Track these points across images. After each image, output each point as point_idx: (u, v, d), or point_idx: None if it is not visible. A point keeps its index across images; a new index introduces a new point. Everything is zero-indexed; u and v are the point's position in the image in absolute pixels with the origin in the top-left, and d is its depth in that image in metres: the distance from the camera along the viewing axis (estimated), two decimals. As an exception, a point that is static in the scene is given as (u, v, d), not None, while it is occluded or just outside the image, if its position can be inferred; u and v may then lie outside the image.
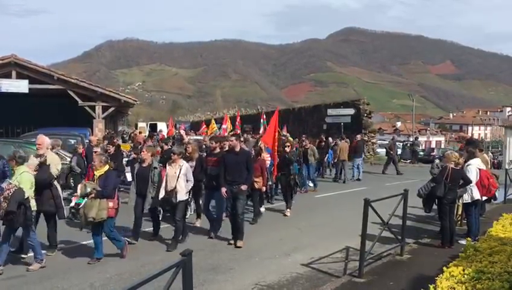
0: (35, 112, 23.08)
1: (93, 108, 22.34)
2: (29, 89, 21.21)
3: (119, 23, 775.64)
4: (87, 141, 15.10)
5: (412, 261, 7.34)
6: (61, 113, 23.64)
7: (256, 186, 9.90)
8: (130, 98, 24.60)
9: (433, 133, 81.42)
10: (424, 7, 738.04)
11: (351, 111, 27.72)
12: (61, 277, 6.44)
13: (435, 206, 8.59)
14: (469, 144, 10.26)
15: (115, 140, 12.29)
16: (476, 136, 71.52)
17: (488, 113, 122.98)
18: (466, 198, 8.48)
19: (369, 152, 28.32)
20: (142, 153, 8.65)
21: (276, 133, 11.41)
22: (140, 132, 22.40)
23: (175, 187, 7.93)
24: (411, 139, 43.18)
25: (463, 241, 7.92)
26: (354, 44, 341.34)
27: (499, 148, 53.22)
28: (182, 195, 7.98)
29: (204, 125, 30.10)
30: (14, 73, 21.09)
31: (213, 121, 27.16)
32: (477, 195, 8.48)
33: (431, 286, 4.62)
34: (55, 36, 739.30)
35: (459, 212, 9.79)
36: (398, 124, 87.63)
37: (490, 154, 11.53)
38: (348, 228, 9.20)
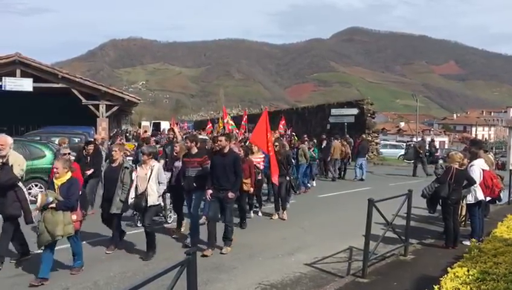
0: (39, 111, 23.17)
1: (97, 107, 22.40)
2: (34, 87, 21.28)
3: (123, 22, 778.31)
4: (92, 139, 15.13)
5: (416, 261, 7.31)
6: (65, 111, 23.71)
7: (245, 188, 9.31)
8: (133, 97, 24.66)
9: (437, 134, 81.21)
10: (428, 7, 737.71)
11: (355, 111, 27.70)
12: (64, 275, 6.45)
13: (438, 207, 8.57)
14: (473, 145, 10.21)
15: (119, 139, 12.20)
16: (479, 137, 71.33)
17: (492, 113, 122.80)
18: (470, 199, 8.45)
19: (372, 152, 28.28)
20: (113, 152, 7.91)
21: (269, 134, 10.49)
22: (145, 131, 22.42)
23: (145, 190, 7.30)
24: (414, 140, 43.09)
25: (467, 242, 7.90)
26: (358, 44, 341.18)
27: (503, 149, 53.11)
28: (154, 199, 7.33)
29: (210, 124, 30.04)
30: (18, 71, 21.16)
31: (220, 120, 27.02)
32: (480, 196, 8.44)
33: (435, 287, 4.61)
34: (59, 35, 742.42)
35: (463, 213, 9.76)
36: (402, 124, 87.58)
37: (491, 155, 11.46)
38: (351, 228, 9.19)
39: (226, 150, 7.78)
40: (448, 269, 5.21)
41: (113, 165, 7.77)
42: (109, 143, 16.95)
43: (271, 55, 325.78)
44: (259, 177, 10.57)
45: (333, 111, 29.16)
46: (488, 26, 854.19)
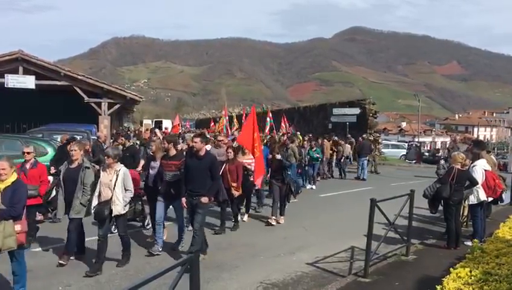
0: (42, 108, 23.18)
1: (99, 104, 22.40)
2: (36, 84, 21.28)
3: (125, 20, 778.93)
4: (95, 137, 15.15)
5: (418, 261, 7.31)
6: (67, 109, 23.73)
7: (232, 191, 8.96)
8: (135, 95, 24.67)
9: (439, 134, 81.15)
10: (431, 7, 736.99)
11: (357, 111, 27.68)
12: (67, 272, 6.45)
13: (440, 207, 8.56)
14: (475, 145, 10.19)
15: (120, 138, 12.05)
16: (481, 138, 71.22)
17: (494, 114, 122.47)
18: (472, 199, 8.44)
19: (374, 152, 28.24)
20: (72, 151, 7.02)
21: (256, 134, 9.88)
22: (147, 129, 22.40)
23: (111, 198, 6.58)
24: (416, 140, 43.08)
25: (469, 243, 7.89)
26: (360, 43, 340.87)
27: (505, 150, 52.99)
28: (119, 208, 6.59)
29: (213, 123, 30.05)
30: (21, 69, 21.16)
31: (222, 119, 26.97)
32: (483, 196, 8.43)
33: (438, 287, 4.61)
34: (62, 32, 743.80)
35: (465, 213, 9.75)
36: (403, 124, 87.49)
37: (493, 156, 11.41)
38: (353, 228, 9.18)
39: (202, 152, 7.09)
40: (451, 269, 5.21)
41: (72, 166, 6.87)
42: (111, 141, 16.96)
43: (273, 54, 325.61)
44: (251, 179, 9.99)
45: (335, 111, 29.15)
46: (491, 27, 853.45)
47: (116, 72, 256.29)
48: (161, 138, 11.00)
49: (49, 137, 14.70)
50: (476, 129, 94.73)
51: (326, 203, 13.15)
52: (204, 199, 6.92)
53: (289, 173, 10.29)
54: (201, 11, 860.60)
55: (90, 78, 22.96)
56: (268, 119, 21.86)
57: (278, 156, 9.98)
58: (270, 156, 10.32)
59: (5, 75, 20.82)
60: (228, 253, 7.65)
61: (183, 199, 7.10)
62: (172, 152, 7.49)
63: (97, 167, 7.52)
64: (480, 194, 8.40)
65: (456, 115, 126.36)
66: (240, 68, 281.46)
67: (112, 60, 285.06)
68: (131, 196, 6.88)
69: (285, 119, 26.09)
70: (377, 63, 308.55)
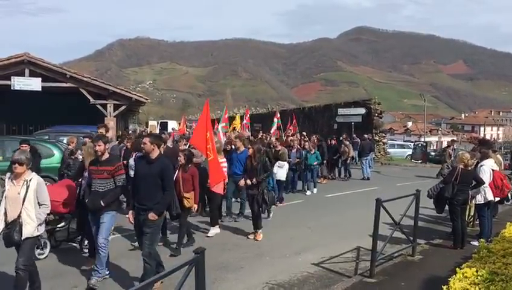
0: (48, 110, 23.27)
1: (104, 106, 22.48)
2: (42, 87, 21.38)
3: (131, 22, 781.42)
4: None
5: (424, 261, 7.29)
6: (73, 111, 23.81)
7: (187, 204, 7.50)
8: (141, 97, 24.71)
9: (445, 134, 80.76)
10: (437, 6, 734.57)
11: (362, 111, 27.61)
12: (74, 273, 6.49)
13: (446, 207, 8.53)
14: (482, 145, 10.16)
15: (126, 140, 11.98)
16: (488, 137, 70.87)
17: (501, 113, 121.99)
18: (479, 199, 8.42)
19: (379, 152, 28.19)
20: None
21: (209, 133, 8.50)
22: (151, 132, 22.39)
23: (19, 216, 5.21)
24: (422, 140, 42.93)
25: (475, 243, 7.86)
26: (365, 43, 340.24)
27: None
28: (30, 229, 5.24)
29: (217, 124, 29.94)
30: (27, 71, 21.27)
31: (237, 117, 26.81)
32: (490, 196, 8.41)
33: (444, 287, 4.59)
34: (68, 35, 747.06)
35: (471, 213, 9.72)
36: (409, 124, 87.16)
37: (499, 155, 11.34)
38: (358, 228, 9.17)
39: (154, 155, 5.89)
40: (457, 269, 5.19)
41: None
42: (116, 143, 16.99)
43: (278, 54, 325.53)
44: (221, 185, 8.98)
45: (340, 111, 29.09)
46: (498, 26, 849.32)
47: (122, 74, 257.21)
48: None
49: (56, 139, 14.77)
50: (482, 128, 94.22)
51: (331, 204, 13.13)
52: (152, 216, 5.66)
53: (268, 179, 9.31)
54: (206, 12, 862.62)
55: (96, 80, 23.04)
56: (275, 119, 21.71)
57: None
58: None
59: (12, 77, 20.94)
60: (233, 254, 7.65)
61: (130, 215, 5.98)
62: (105, 156, 6.18)
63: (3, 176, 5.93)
64: (487, 194, 8.37)
65: (462, 115, 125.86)
66: (245, 69, 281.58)
67: (118, 62, 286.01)
68: (47, 212, 5.54)
69: (294, 119, 25.96)
70: (382, 63, 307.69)
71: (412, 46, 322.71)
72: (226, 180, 9.30)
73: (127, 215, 6.15)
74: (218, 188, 8.69)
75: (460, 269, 5.15)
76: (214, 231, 8.83)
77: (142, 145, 6.11)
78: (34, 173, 5.46)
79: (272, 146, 13.74)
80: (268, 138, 17.79)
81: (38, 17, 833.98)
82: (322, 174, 17.53)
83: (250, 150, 9.06)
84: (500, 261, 5.31)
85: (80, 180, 7.01)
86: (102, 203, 5.96)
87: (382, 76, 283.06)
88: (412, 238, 7.57)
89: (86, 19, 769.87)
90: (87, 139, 7.97)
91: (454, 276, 4.94)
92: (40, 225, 5.38)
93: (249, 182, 8.74)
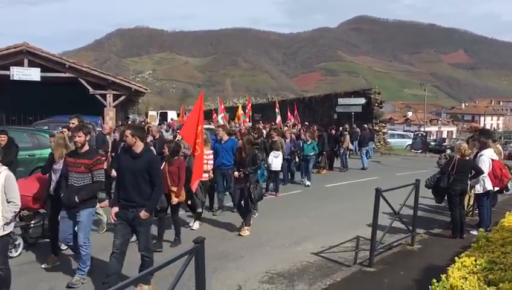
0: (47, 100, 23.24)
1: (104, 96, 22.45)
2: (41, 77, 21.34)
3: (130, 11, 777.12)
4: (99, 129, 15.17)
5: (423, 251, 7.32)
6: (73, 101, 23.78)
7: (173, 199, 7.34)
8: (140, 87, 24.69)
9: (445, 123, 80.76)
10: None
11: (362, 101, 27.58)
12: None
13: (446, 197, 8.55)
14: (482, 134, 10.14)
15: (115, 131, 11.87)
16: (488, 127, 70.84)
17: (501, 103, 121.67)
18: (478, 189, 8.43)
19: (379, 142, 28.20)
20: None
21: (200, 126, 8.17)
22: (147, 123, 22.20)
23: None
24: (422, 129, 42.91)
25: (474, 232, 7.89)
26: (366, 33, 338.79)
27: (511, 139, 52.74)
28: None
29: (215, 114, 29.94)
30: (26, 61, 21.22)
31: (239, 107, 26.72)
32: (489, 186, 8.42)
33: (443, 276, 4.61)
34: (66, 24, 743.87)
35: (471, 203, 9.75)
36: (410, 114, 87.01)
37: (499, 145, 11.31)
38: (358, 218, 9.21)
39: (138, 149, 5.46)
40: (456, 258, 5.21)
41: None
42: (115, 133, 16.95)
43: (278, 44, 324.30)
44: (205, 179, 8.72)
45: (340, 101, 29.05)
46: (498, 15, 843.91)
47: (121, 64, 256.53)
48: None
49: (55, 129, 14.74)
50: (482, 118, 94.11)
51: (331, 194, 13.17)
52: (144, 214, 5.35)
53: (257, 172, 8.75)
54: (206, 2, 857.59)
55: (95, 70, 23.00)
56: (277, 110, 21.55)
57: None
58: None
59: (11, 67, 20.90)
60: (233, 243, 7.69)
61: (114, 210, 5.52)
62: (85, 148, 5.80)
63: None
64: (486, 184, 8.38)
65: (463, 104, 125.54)
66: (245, 59, 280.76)
67: (117, 52, 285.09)
68: (16, 210, 5.07)
69: (295, 108, 25.90)
70: (383, 53, 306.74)
71: (413, 36, 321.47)
72: (206, 178, 8.86)
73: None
74: (194, 186, 8.10)
75: (459, 258, 5.18)
76: (196, 226, 8.63)
77: (124, 138, 5.71)
78: (4, 167, 4.92)
79: (268, 136, 13.53)
80: (268, 129, 17.67)
81: (37, 6, 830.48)
82: (322, 164, 17.50)
83: (240, 142, 8.77)
84: (498, 250, 5.33)
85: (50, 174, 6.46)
86: (77, 200, 5.58)
87: (382, 66, 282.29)
88: (411, 227, 7.60)
89: (85, 9, 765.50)
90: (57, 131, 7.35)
91: (453, 265, 4.96)
92: (7, 223, 4.87)
93: (236, 174, 8.45)
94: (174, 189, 7.32)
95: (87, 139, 5.91)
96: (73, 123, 7.61)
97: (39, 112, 22.00)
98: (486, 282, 4.34)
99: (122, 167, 5.54)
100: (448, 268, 4.87)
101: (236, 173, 8.47)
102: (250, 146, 8.55)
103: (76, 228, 5.83)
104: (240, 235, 8.20)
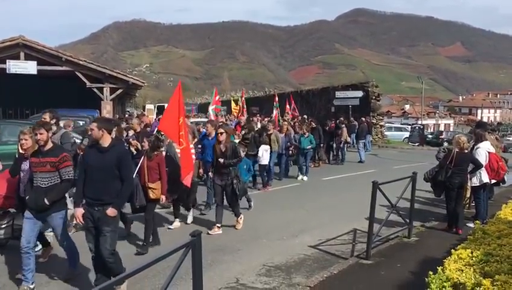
0: (44, 94, 23.16)
1: (101, 90, 22.38)
2: (38, 70, 21.24)
3: (126, 4, 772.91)
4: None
5: (420, 243, 7.34)
6: (70, 94, 23.72)
7: (152, 196, 6.85)
8: (137, 80, 24.60)
9: (442, 116, 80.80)
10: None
11: (360, 94, 27.56)
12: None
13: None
14: (478, 127, 10.15)
15: (122, 125, 11.75)
16: (485, 119, 70.90)
17: (498, 96, 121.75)
18: (475, 181, 8.44)
19: (377, 135, 28.23)
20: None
21: (183, 118, 7.65)
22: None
23: None
24: (419, 122, 42.94)
25: (471, 224, 7.91)
26: (363, 25, 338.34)
27: (508, 132, 52.84)
28: None
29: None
30: (22, 54, 21.11)
31: (232, 101, 26.57)
32: (486, 178, 8.43)
33: (439, 268, 4.62)
34: (63, 17, 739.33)
35: (467, 195, 9.77)
36: (407, 106, 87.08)
37: (493, 136, 11.32)
38: (355, 211, 9.23)
39: (106, 143, 5.06)
40: (452, 250, 5.23)
41: None
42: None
43: (275, 37, 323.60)
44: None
45: (338, 94, 29.03)
46: (496, 7, 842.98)
47: (118, 57, 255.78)
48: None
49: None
50: (479, 111, 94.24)
51: (328, 187, 13.19)
52: (111, 211, 4.95)
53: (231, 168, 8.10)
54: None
55: (92, 64, 22.90)
56: (275, 103, 21.43)
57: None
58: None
59: (7, 61, 20.79)
60: (230, 236, 7.69)
61: (79, 211, 5.09)
62: (48, 145, 5.33)
63: None
64: (482, 176, 8.39)
65: (460, 97, 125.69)
66: (242, 52, 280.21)
67: (114, 45, 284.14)
68: None
69: (292, 101, 25.81)
70: (380, 45, 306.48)
71: (410, 28, 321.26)
72: (194, 172, 8.34)
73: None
74: (187, 180, 7.67)
75: (456, 250, 5.19)
76: (177, 223, 8.25)
77: (89, 132, 5.29)
78: None
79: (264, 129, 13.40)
80: (266, 122, 17.61)
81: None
82: (322, 157, 17.57)
83: (221, 136, 8.04)
84: (495, 242, 5.34)
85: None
86: (46, 202, 5.17)
87: (380, 58, 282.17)
88: (408, 220, 7.62)
89: (82, 1, 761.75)
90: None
91: (449, 257, 4.97)
92: None
93: (221, 160, 7.94)
94: (152, 185, 6.84)
95: (50, 136, 5.53)
96: (44, 118, 6.85)
97: (36, 106, 21.94)
98: (482, 274, 4.35)
99: (89, 163, 5.08)
100: (445, 260, 4.88)
101: (221, 160, 7.88)
102: (229, 138, 8.27)
103: (51, 232, 5.44)
104: (235, 228, 8.15)
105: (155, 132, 8.21)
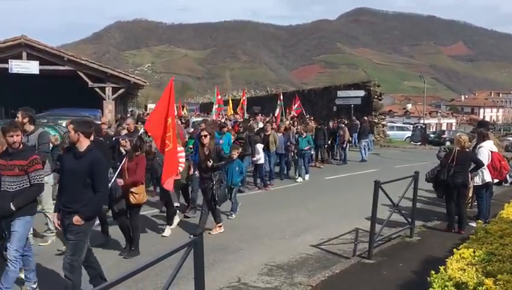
0: (46, 93, 23.22)
1: (103, 89, 22.42)
2: (40, 70, 21.29)
3: (128, 3, 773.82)
4: (99, 122, 15.16)
5: (422, 243, 7.33)
6: (72, 94, 23.77)
7: (133, 200, 6.59)
8: (139, 80, 24.65)
9: (444, 116, 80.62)
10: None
11: (361, 93, 27.53)
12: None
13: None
14: (481, 126, 10.12)
15: (123, 125, 11.69)
16: (487, 119, 70.75)
17: (501, 95, 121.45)
18: (477, 181, 8.42)
19: (379, 134, 28.20)
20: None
21: (171, 118, 7.13)
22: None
23: None
24: (421, 122, 42.88)
25: (473, 224, 7.90)
26: (365, 25, 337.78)
27: (511, 131, 52.72)
28: None
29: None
30: (24, 54, 21.17)
31: (230, 101, 26.56)
32: (488, 178, 8.40)
33: (441, 267, 4.61)
34: (65, 17, 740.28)
35: (470, 194, 9.75)
36: (409, 106, 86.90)
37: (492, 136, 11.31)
38: (357, 210, 9.21)
39: (82, 147, 4.75)
40: (454, 250, 5.21)
41: None
42: (115, 126, 16.97)
43: (277, 36, 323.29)
44: (178, 177, 7.83)
45: (340, 93, 29.00)
46: (498, 6, 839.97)
47: (120, 57, 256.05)
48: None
49: (54, 122, 14.74)
50: (482, 110, 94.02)
51: (330, 186, 13.18)
52: (76, 220, 4.62)
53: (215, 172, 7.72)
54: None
55: (94, 63, 22.96)
56: (279, 102, 21.27)
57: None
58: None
59: (9, 60, 20.86)
60: (232, 235, 7.69)
61: (57, 215, 4.93)
62: (15, 145, 4.89)
63: None
64: (485, 175, 8.37)
65: (462, 96, 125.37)
66: (244, 51, 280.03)
67: (116, 45, 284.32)
68: None
69: (297, 102, 25.73)
70: (382, 45, 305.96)
71: (412, 28, 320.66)
72: (179, 176, 7.95)
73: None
74: (168, 184, 7.24)
75: (458, 249, 5.18)
76: (169, 230, 7.82)
77: (68, 134, 5.01)
78: None
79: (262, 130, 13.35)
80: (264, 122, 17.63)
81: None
82: (324, 157, 17.60)
83: (204, 139, 7.75)
84: (497, 241, 5.33)
85: None
86: (12, 207, 4.77)
87: (382, 58, 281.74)
88: (410, 220, 7.61)
89: (83, 1, 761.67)
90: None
91: (451, 257, 4.96)
92: None
93: (197, 173, 7.93)
94: (133, 190, 6.53)
95: (15, 138, 4.92)
96: (17, 117, 6.40)
97: (38, 105, 21.98)
98: (485, 273, 4.34)
99: (63, 168, 4.85)
100: (447, 260, 4.87)
101: (209, 163, 7.57)
102: (213, 141, 7.91)
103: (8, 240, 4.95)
104: (209, 233, 7.57)
105: (141, 132, 7.76)
